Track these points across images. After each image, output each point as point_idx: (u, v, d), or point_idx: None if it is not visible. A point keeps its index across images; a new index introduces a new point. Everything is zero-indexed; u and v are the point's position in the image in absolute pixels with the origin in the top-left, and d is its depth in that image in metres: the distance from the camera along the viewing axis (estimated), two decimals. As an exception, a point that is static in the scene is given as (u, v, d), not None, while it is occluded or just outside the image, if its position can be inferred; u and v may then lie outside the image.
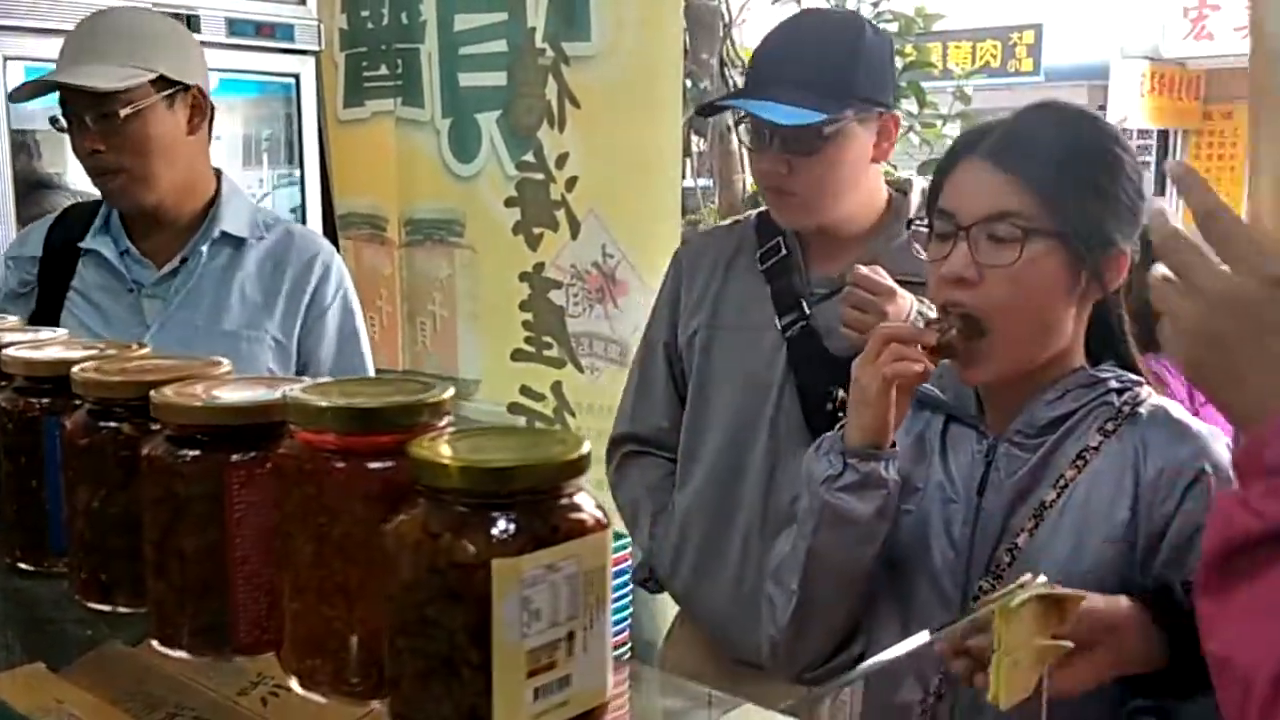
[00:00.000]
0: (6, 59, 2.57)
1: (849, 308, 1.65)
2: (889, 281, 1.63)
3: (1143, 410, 1.35)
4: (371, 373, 2.24)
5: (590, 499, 0.63)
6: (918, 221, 1.51)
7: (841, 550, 1.38)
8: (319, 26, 3.12)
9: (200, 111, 2.07)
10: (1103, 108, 12.80)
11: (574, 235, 3.02)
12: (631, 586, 2.85)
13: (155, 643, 0.75)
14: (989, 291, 1.30)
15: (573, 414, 3.08)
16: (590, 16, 2.91)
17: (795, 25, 1.91)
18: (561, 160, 3.02)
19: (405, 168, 3.42)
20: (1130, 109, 12.62)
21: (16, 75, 3.00)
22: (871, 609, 1.44)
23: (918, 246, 1.75)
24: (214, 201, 2.12)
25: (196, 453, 0.71)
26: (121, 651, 0.86)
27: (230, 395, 0.73)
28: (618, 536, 2.68)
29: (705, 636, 2.01)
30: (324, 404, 0.65)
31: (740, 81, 4.88)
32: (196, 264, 2.09)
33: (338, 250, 2.28)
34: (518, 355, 3.18)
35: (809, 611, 1.42)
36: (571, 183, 3.01)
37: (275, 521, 0.69)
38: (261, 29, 2.90)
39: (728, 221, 2.12)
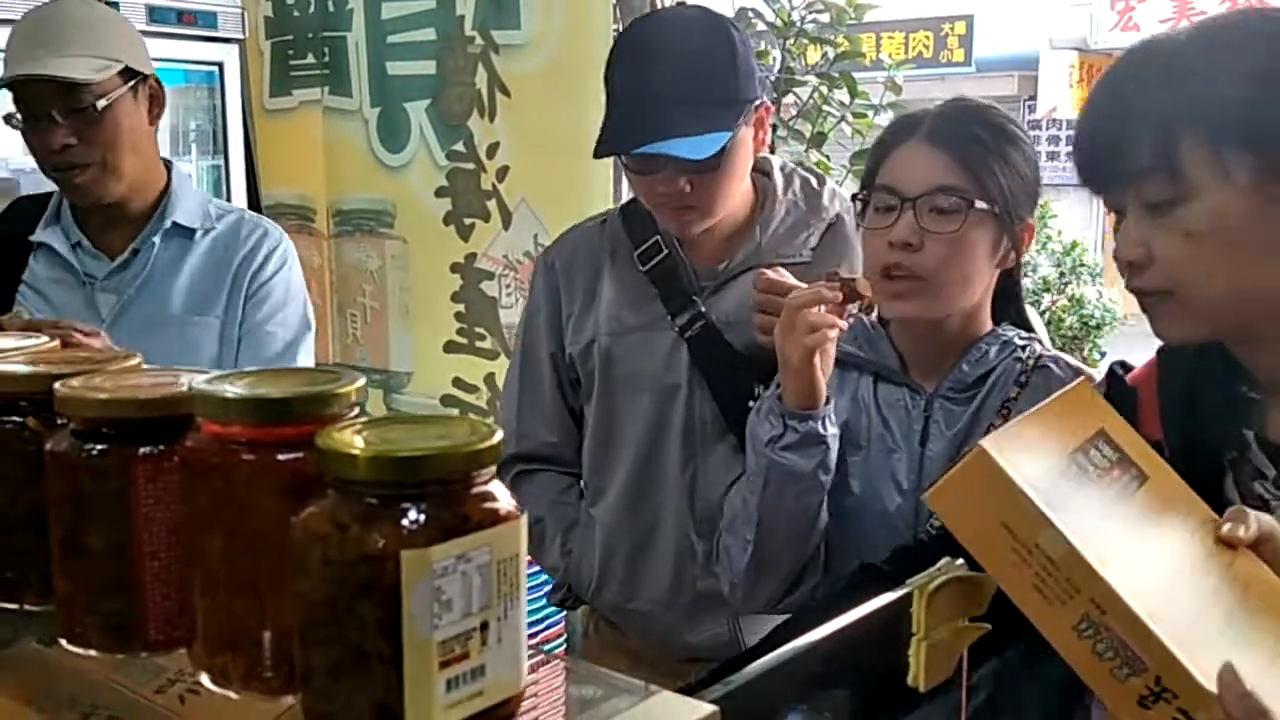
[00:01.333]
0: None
1: (761, 314, 1.69)
2: (792, 280, 1.66)
3: (1045, 362, 1.57)
4: (309, 345, 2.22)
5: (503, 488, 0.63)
6: (860, 196, 1.59)
7: (788, 502, 1.52)
8: (242, 14, 3.07)
9: (159, 102, 2.07)
10: (1032, 98, 13.04)
11: (505, 225, 3.01)
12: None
13: (64, 641, 0.74)
14: (930, 254, 1.49)
15: (506, 405, 3.07)
16: (519, 5, 2.89)
17: (663, 38, 1.78)
18: (492, 150, 3.01)
19: (333, 158, 3.39)
20: (1059, 99, 12.84)
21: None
22: (831, 551, 1.59)
23: (806, 227, 1.86)
24: (165, 192, 2.11)
25: (102, 447, 0.70)
26: (34, 651, 0.84)
27: (137, 387, 0.72)
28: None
29: (636, 643, 1.96)
30: (230, 395, 0.64)
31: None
32: (149, 255, 2.08)
33: None
34: (450, 347, 3.17)
35: (763, 557, 1.57)
36: (503, 172, 3.00)
37: (184, 516, 0.68)
38: (183, 16, 2.86)
39: (591, 222, 2.04)
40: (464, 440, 0.60)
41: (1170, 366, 1.23)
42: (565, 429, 1.97)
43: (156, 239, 2.07)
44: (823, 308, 1.46)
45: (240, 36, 3.09)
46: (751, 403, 1.67)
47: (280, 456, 0.64)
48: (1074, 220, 11.42)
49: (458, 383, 3.18)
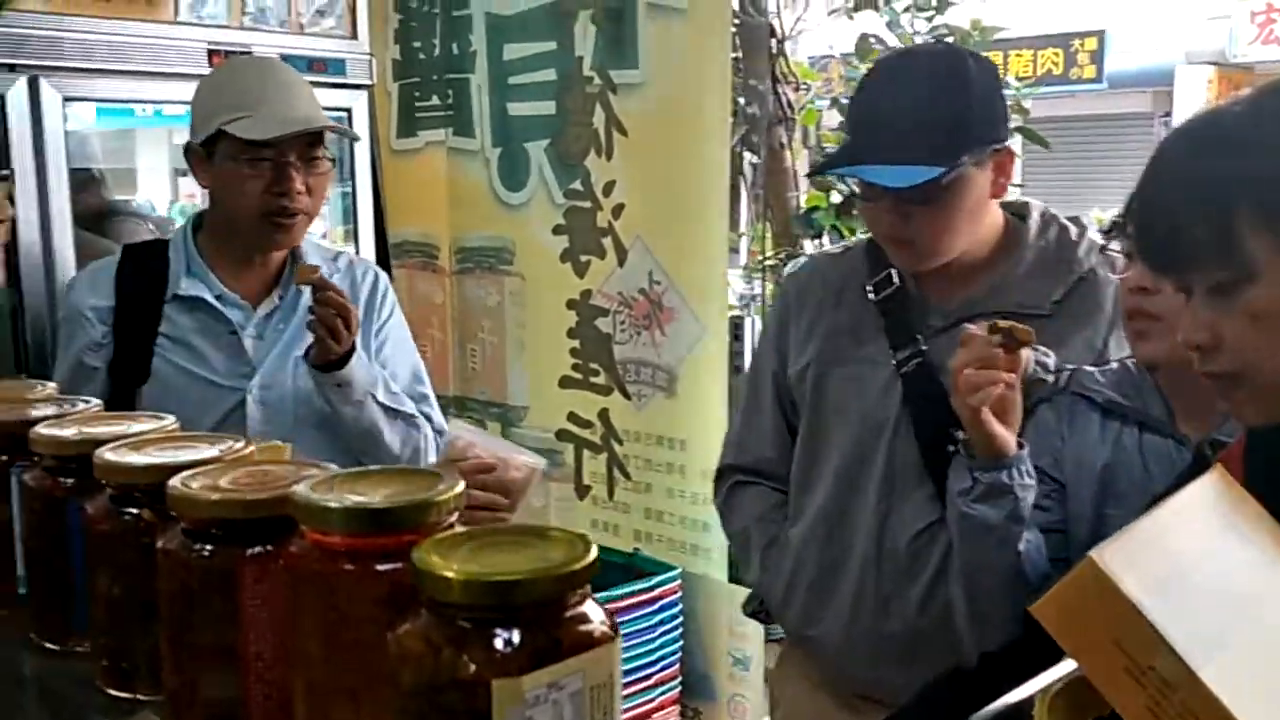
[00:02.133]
0: (66, 99, 2.62)
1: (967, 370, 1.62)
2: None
3: None
4: (424, 375, 2.32)
5: (598, 608, 0.62)
6: (1109, 248, 1.63)
7: (983, 554, 1.55)
8: (370, 60, 3.15)
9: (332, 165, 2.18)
10: (1168, 114, 12.60)
11: (620, 262, 3.01)
12: (681, 619, 2.87)
13: (172, 731, 0.76)
14: (1168, 293, 1.38)
15: (619, 441, 3.07)
16: (638, 45, 2.90)
17: (897, 73, 1.83)
18: (608, 188, 3.01)
19: (456, 196, 3.44)
20: (1196, 115, 12.39)
21: (86, 114, 3.06)
22: None
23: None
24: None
25: (211, 547, 0.71)
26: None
27: (247, 486, 0.73)
28: (666, 568, 2.67)
29: (817, 670, 1.98)
30: (330, 504, 0.65)
31: (792, 98, 4.87)
32: (294, 301, 2.14)
33: (391, 278, 2.34)
34: (565, 382, 3.18)
35: (976, 609, 1.60)
36: (618, 210, 3.00)
37: (286, 619, 0.69)
38: (314, 64, 2.94)
39: (836, 249, 2.10)
40: (559, 562, 0.60)
41: (1257, 447, 1.17)
42: (782, 446, 1.99)
43: (302, 286, 2.11)
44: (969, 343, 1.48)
45: (368, 82, 3.17)
46: (951, 447, 1.64)
47: (379, 567, 0.64)
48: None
49: (572, 418, 3.19)
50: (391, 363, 2.21)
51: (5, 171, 1.59)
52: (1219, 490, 0.98)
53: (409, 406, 2.19)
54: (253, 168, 2.01)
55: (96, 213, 3.17)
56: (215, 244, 2.13)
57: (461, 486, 0.69)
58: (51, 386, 1.03)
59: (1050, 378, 1.64)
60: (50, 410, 0.91)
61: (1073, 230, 1.83)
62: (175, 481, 0.73)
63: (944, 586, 1.76)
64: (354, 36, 3.09)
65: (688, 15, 2.80)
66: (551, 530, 0.64)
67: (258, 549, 0.71)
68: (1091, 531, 1.56)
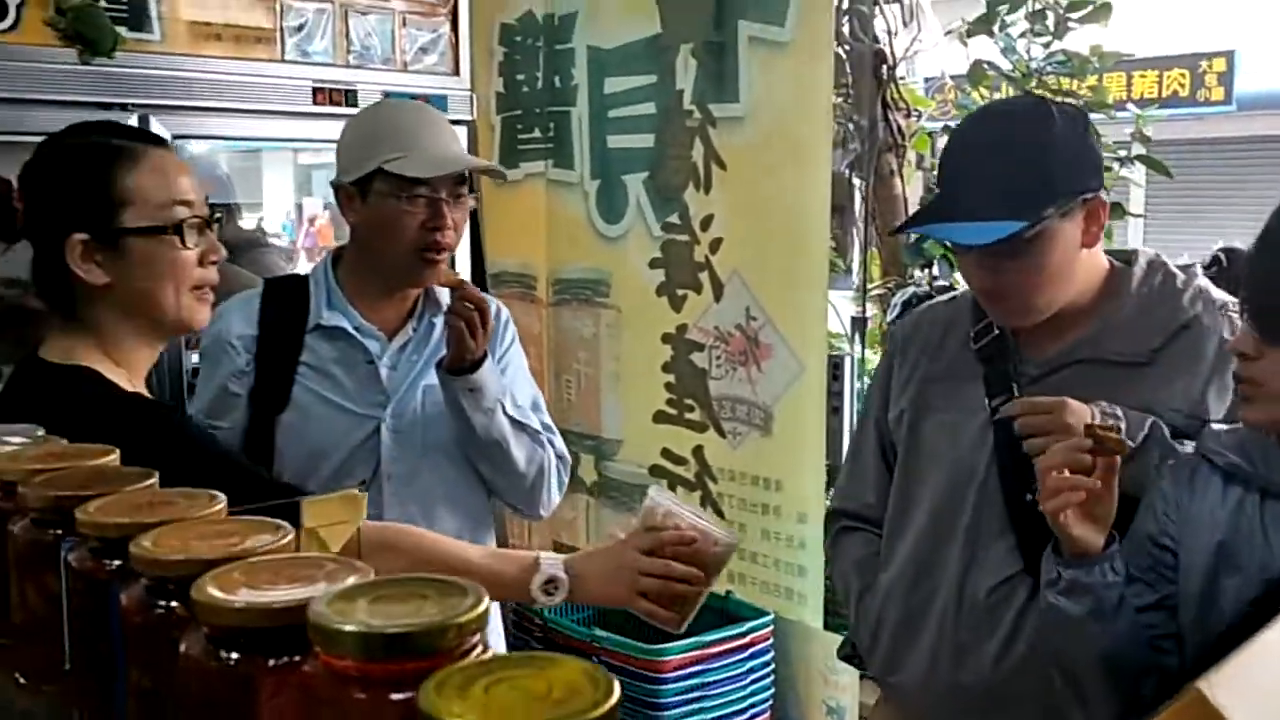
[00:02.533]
0: (175, 137, 2.68)
1: (1028, 438, 1.66)
2: (1048, 399, 1.65)
3: None
4: (544, 405, 2.38)
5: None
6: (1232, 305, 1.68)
7: (1064, 643, 1.60)
8: (470, 96, 3.17)
9: None
10: (1305, 138, 12.06)
11: (717, 297, 2.98)
12: (773, 666, 2.81)
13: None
14: (1271, 360, 1.44)
15: (714, 479, 3.03)
16: (739, 78, 2.87)
17: (980, 128, 1.85)
18: (706, 221, 2.99)
19: (555, 228, 3.45)
20: (1334, 137, 11.85)
21: (199, 152, 3.13)
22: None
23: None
24: None
25: (233, 655, 0.69)
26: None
27: (276, 588, 0.71)
28: (758, 613, 2.63)
29: (902, 716, 2.01)
30: (343, 626, 0.62)
31: (903, 124, 4.77)
32: (428, 333, 2.22)
33: None
34: (659, 417, 3.15)
35: (1075, 690, 1.61)
36: (716, 244, 2.97)
37: (305, 736, 0.66)
38: (416, 100, 2.97)
39: (946, 297, 2.12)
40: (580, 709, 0.56)
41: None
42: (883, 492, 2.01)
43: (435, 319, 2.21)
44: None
45: (469, 118, 3.19)
46: (1029, 496, 1.68)
47: (394, 696, 0.61)
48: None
49: (666, 454, 3.16)
50: (513, 389, 2.26)
51: (219, 214, 1.65)
52: None
53: (534, 422, 2.24)
54: (410, 204, 2.08)
55: (232, 244, 3.27)
56: (355, 278, 2.20)
57: (485, 604, 0.65)
58: (113, 455, 1.03)
59: (1127, 440, 1.59)
60: (106, 487, 0.91)
61: (1179, 278, 1.80)
62: (199, 584, 0.71)
63: (1020, 643, 1.77)
64: (456, 73, 3.12)
65: (791, 48, 2.76)
66: (574, 663, 0.60)
67: (280, 659, 0.68)
68: (1203, 601, 1.51)
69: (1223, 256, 3.14)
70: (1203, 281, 1.81)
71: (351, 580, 0.70)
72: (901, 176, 4.67)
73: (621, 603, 1.64)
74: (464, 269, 3.24)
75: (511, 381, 2.28)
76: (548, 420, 2.33)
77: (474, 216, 3.53)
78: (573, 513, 3.46)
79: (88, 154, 1.61)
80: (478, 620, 0.64)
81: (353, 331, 2.17)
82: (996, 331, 1.84)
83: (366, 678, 0.62)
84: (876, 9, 4.37)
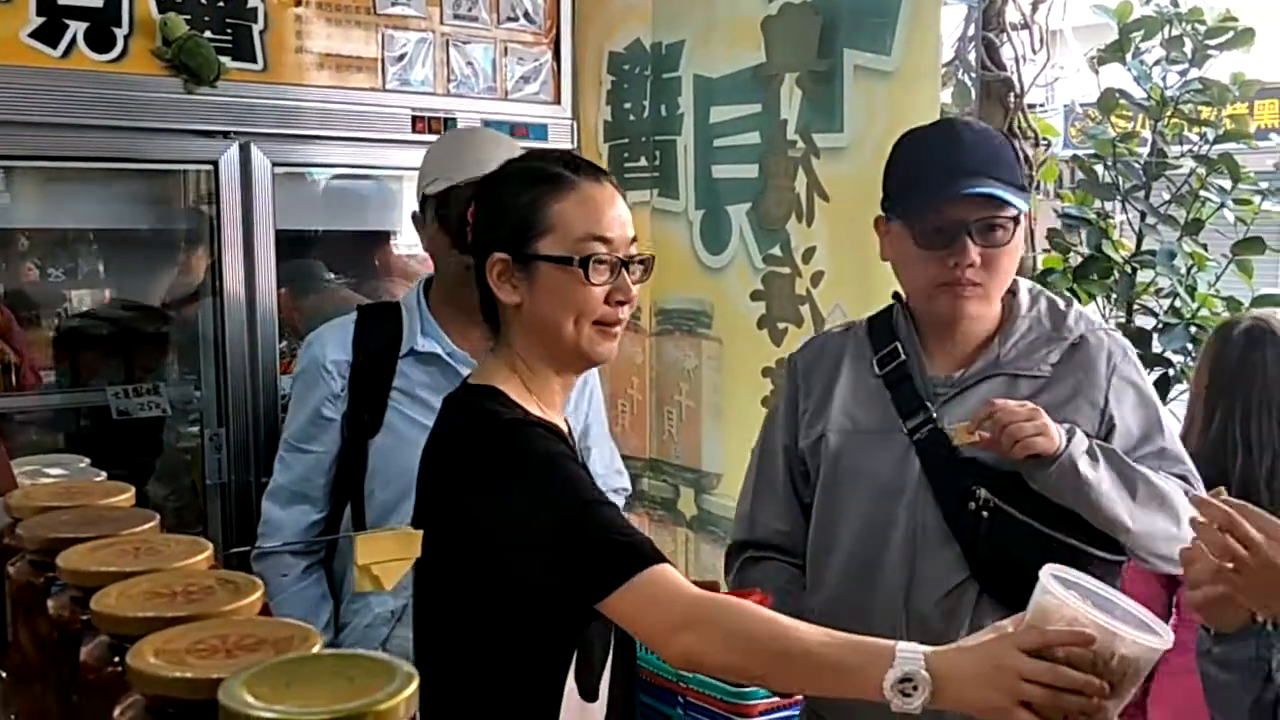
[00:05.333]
0: (275, 164, 2.73)
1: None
2: (1015, 405, 1.78)
3: None
4: (617, 452, 2.40)
5: None
6: None
7: (1224, 707, 1.54)
8: (572, 125, 3.16)
9: None
10: None
11: (818, 330, 2.89)
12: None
13: None
14: None
15: (812, 520, 2.94)
16: (844, 107, 2.80)
17: (960, 129, 2.02)
18: (808, 254, 2.92)
19: (659, 257, 3.39)
20: None
21: (299, 180, 3.19)
22: None
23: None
24: None
25: (163, 723, 0.66)
26: None
27: (216, 658, 0.67)
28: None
29: None
30: (251, 713, 0.58)
31: (1031, 154, 4.60)
32: None
33: None
34: (759, 453, 3.08)
35: None
36: (817, 277, 2.90)
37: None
38: (515, 129, 2.97)
39: (840, 327, 2.19)
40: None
41: None
42: (795, 520, 2.04)
43: None
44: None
45: (570, 146, 3.18)
46: (972, 504, 1.81)
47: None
48: None
49: (765, 491, 3.07)
50: (598, 451, 2.29)
51: (643, 258, 1.67)
52: None
53: (620, 499, 2.28)
54: (442, 223, 2.13)
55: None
56: (441, 305, 2.22)
57: (412, 690, 0.60)
58: (128, 493, 1.02)
59: None
60: (103, 529, 0.89)
61: (1060, 302, 2.00)
62: (137, 648, 0.68)
63: None
64: (557, 102, 3.11)
65: (896, 76, 2.68)
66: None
67: (208, 734, 0.65)
68: None
69: None
70: (1078, 306, 2.01)
71: (289, 655, 0.66)
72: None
73: (998, 713, 1.31)
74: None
75: (596, 443, 2.28)
76: (625, 482, 2.34)
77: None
78: (671, 546, 3.40)
79: (524, 178, 1.66)
80: (398, 708, 0.60)
81: (445, 357, 2.17)
82: (903, 356, 1.95)
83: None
84: (1004, 36, 4.23)
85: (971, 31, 4.09)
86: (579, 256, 1.59)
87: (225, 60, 2.63)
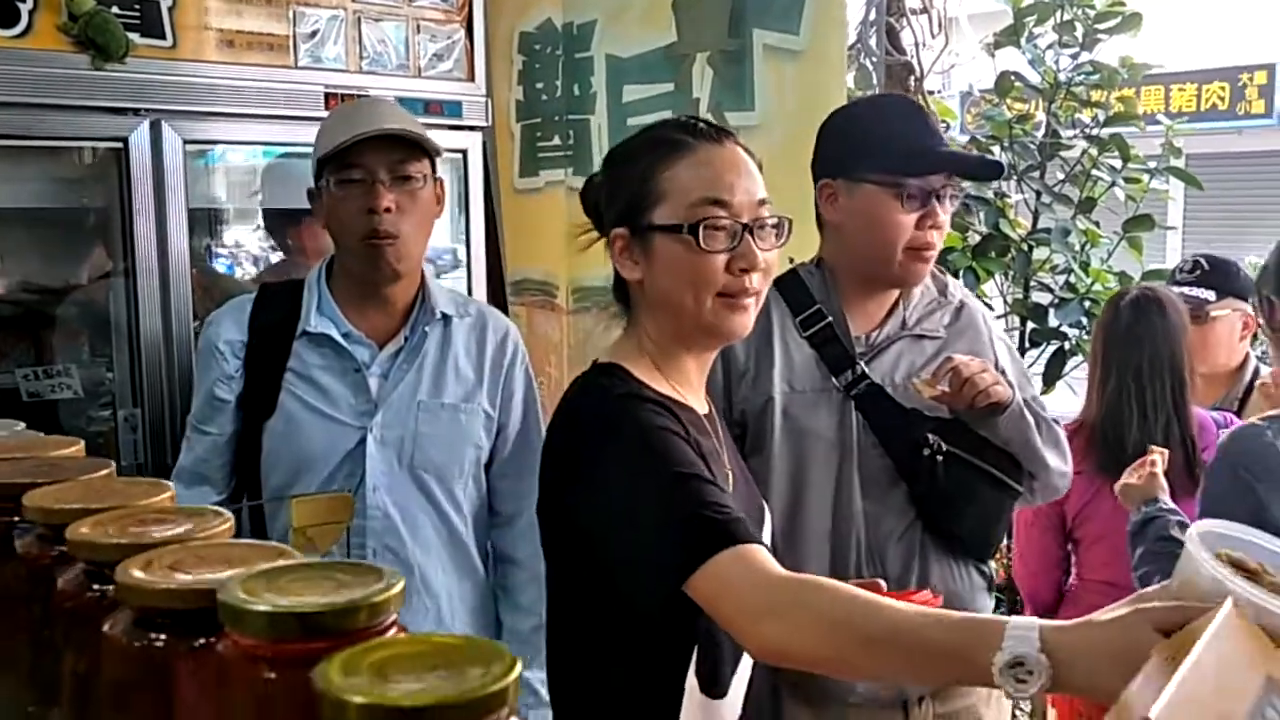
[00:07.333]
0: (186, 142, 2.69)
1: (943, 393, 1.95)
2: (978, 364, 1.96)
3: None
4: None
5: (522, 728, 0.56)
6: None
7: None
8: (486, 102, 3.17)
9: (441, 200, 2.19)
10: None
11: (735, 306, 2.96)
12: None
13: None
14: None
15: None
16: (754, 86, 2.85)
17: (903, 101, 2.31)
18: (723, 231, 2.96)
19: (575, 236, 3.43)
20: (1377, 150, 11.66)
21: (211, 158, 3.16)
22: None
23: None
24: (423, 283, 2.21)
25: (153, 636, 0.68)
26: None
27: (197, 572, 0.69)
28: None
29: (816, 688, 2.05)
30: (251, 608, 0.60)
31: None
32: (421, 343, 2.17)
33: (508, 315, 2.34)
34: (676, 427, 3.13)
35: None
36: (733, 253, 2.95)
37: (218, 717, 0.65)
38: (430, 106, 2.97)
39: None
40: (472, 686, 0.54)
41: None
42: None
43: (429, 328, 2.17)
44: None
45: (484, 124, 3.19)
46: (926, 451, 1.96)
47: (304, 674, 0.59)
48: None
49: (684, 465, 3.13)
50: (525, 427, 2.27)
51: (775, 219, 1.54)
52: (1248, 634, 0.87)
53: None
54: (343, 189, 2.05)
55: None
56: (341, 283, 2.17)
57: (400, 586, 0.64)
58: (77, 445, 1.02)
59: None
60: (60, 476, 0.90)
61: (936, 270, 2.16)
62: (124, 566, 0.70)
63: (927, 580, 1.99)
64: (471, 79, 3.11)
65: (805, 56, 2.74)
66: (475, 643, 0.58)
67: (198, 641, 0.67)
68: None
69: (1203, 261, 3.19)
70: (949, 275, 2.22)
71: (279, 563, 0.69)
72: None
73: None
74: (480, 278, 3.22)
75: (515, 431, 2.26)
76: None
77: (492, 224, 3.54)
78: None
79: (641, 148, 1.58)
80: (394, 601, 0.63)
81: (339, 339, 2.12)
82: (828, 317, 2.04)
83: (275, 658, 0.60)
84: (904, 21, 4.34)
85: (874, 16, 4.20)
86: (689, 223, 1.49)
87: (134, 37, 2.58)
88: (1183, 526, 2.26)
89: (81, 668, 0.76)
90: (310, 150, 2.16)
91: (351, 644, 0.59)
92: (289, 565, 0.68)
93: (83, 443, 1.05)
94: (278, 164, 3.12)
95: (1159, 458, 2.50)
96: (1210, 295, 3.11)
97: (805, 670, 1.59)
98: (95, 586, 0.76)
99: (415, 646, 0.59)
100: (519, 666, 0.56)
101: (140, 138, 2.62)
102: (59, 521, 0.82)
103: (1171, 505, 2.37)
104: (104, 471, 0.94)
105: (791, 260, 2.14)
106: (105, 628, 0.69)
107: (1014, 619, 1.12)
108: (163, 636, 0.68)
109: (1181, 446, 2.73)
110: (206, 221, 3.07)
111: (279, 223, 3.17)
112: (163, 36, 2.65)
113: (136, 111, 2.63)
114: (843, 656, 1.25)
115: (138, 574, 0.69)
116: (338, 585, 0.64)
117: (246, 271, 3.29)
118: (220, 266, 3.14)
